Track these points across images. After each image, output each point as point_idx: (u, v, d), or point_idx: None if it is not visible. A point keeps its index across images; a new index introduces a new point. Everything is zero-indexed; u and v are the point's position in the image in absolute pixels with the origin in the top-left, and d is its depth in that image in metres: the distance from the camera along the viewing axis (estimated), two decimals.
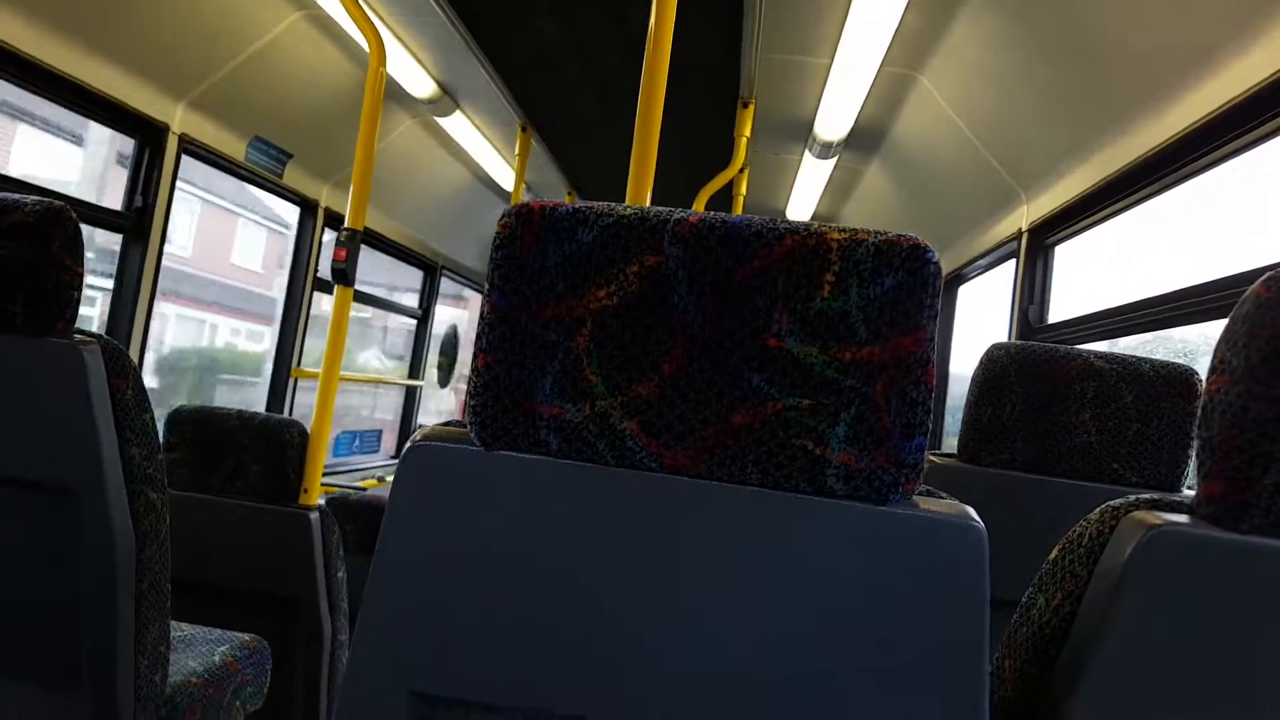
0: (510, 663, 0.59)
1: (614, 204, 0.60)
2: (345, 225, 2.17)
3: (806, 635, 0.56)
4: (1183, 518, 0.60)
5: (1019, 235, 2.48)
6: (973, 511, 0.56)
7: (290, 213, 2.44)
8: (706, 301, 0.57)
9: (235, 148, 2.66)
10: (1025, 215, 2.46)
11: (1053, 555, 0.67)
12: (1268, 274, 0.59)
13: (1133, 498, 0.64)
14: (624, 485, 0.59)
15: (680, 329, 0.57)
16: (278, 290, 2.90)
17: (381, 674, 0.60)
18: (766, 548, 0.57)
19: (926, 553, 0.55)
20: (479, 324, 0.60)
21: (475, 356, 0.60)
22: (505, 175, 3.83)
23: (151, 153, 2.38)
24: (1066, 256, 2.41)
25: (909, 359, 0.54)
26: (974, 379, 1.24)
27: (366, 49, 2.21)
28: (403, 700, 0.60)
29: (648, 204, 1.45)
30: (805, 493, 0.57)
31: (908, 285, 0.54)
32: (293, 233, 2.79)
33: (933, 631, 0.55)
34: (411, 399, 4.65)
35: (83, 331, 1.12)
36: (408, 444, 0.62)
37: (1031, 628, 0.66)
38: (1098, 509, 0.65)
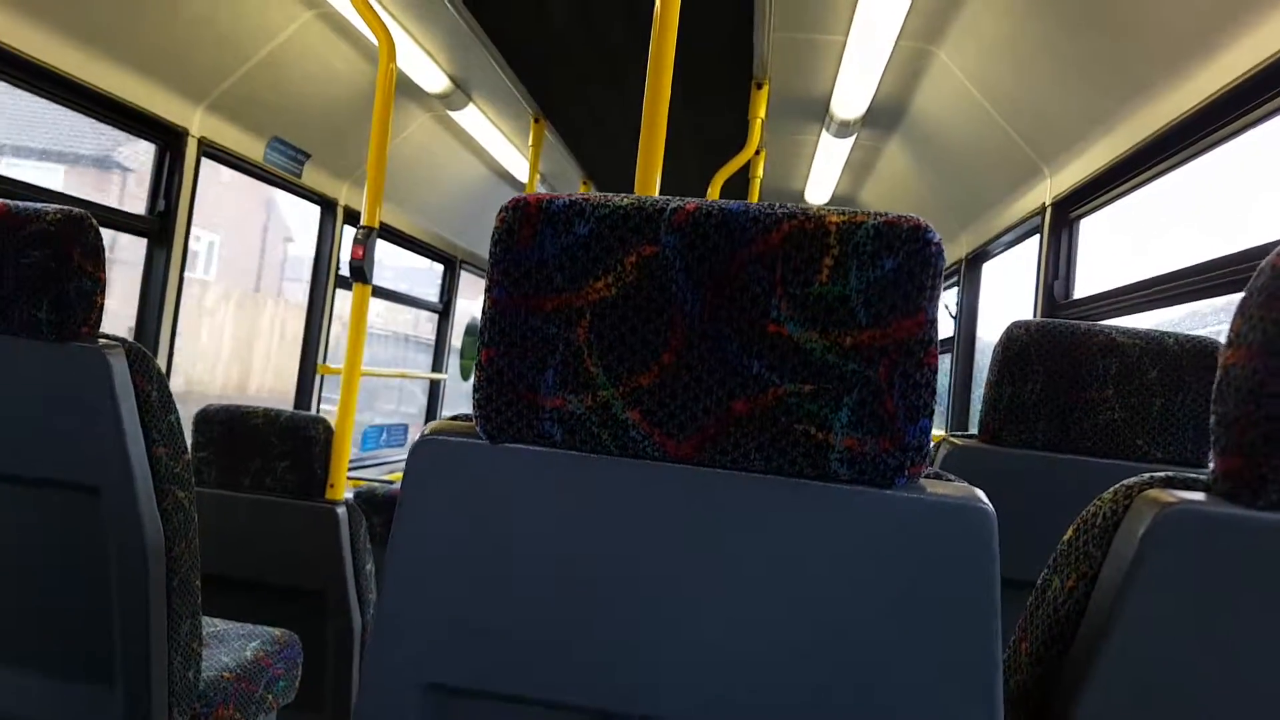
0: (522, 653, 0.59)
1: (611, 195, 0.59)
2: (361, 223, 2.19)
3: (815, 622, 0.55)
4: (1198, 495, 0.59)
5: (1042, 210, 2.44)
6: (981, 493, 0.55)
7: None
8: (704, 289, 0.56)
9: (254, 149, 2.69)
10: (1049, 189, 2.41)
11: (1067, 536, 0.66)
12: None
13: (1147, 476, 0.63)
14: (628, 475, 0.58)
15: (679, 318, 0.56)
16: None
17: (398, 666, 0.61)
18: (772, 534, 0.56)
19: (934, 536, 0.54)
20: (481, 318, 0.61)
21: (478, 351, 0.60)
22: (520, 167, 3.83)
23: (172, 157, 2.41)
24: (1091, 231, 2.36)
25: (910, 341, 0.53)
26: (994, 358, 1.22)
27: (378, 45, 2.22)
28: (419, 692, 0.60)
29: (656, 191, 1.43)
30: (809, 478, 0.56)
31: (908, 267, 0.53)
32: None
33: (942, 616, 0.54)
34: (436, 392, 4.70)
35: (108, 335, 1.14)
36: (417, 437, 0.62)
37: (1046, 610, 0.65)
38: (1112, 488, 0.64)
